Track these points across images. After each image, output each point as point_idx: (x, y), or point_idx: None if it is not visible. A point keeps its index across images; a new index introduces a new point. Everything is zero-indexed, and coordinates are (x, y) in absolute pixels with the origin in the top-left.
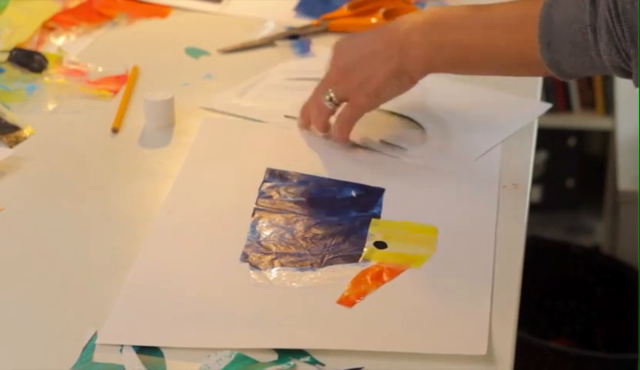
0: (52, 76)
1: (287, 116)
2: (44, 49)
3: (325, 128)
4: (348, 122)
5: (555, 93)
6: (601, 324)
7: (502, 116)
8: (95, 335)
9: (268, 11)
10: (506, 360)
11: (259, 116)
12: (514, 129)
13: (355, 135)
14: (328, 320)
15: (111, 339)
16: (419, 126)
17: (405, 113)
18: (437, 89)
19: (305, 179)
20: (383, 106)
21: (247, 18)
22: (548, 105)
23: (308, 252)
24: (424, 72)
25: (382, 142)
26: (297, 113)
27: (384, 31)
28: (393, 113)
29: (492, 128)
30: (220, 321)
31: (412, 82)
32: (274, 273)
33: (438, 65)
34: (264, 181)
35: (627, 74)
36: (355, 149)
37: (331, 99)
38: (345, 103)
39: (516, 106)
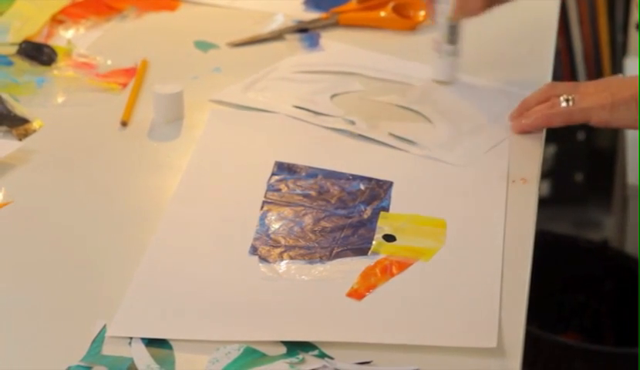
0: (61, 69)
1: (296, 107)
2: (53, 42)
3: (546, 123)
4: (570, 113)
5: None
6: (610, 319)
7: (510, 111)
8: (104, 328)
9: (277, 5)
10: (516, 353)
11: (268, 107)
12: None
13: (365, 127)
14: (337, 313)
15: (120, 332)
16: (427, 119)
17: (413, 107)
18: (445, 83)
19: (314, 172)
20: (391, 100)
21: (256, 12)
22: None
23: (317, 245)
24: None
25: (391, 135)
26: (306, 104)
27: None
28: (401, 107)
29: (500, 121)
30: (229, 314)
31: None
32: (283, 266)
33: None
34: (273, 174)
35: None
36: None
37: (568, 100)
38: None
39: None
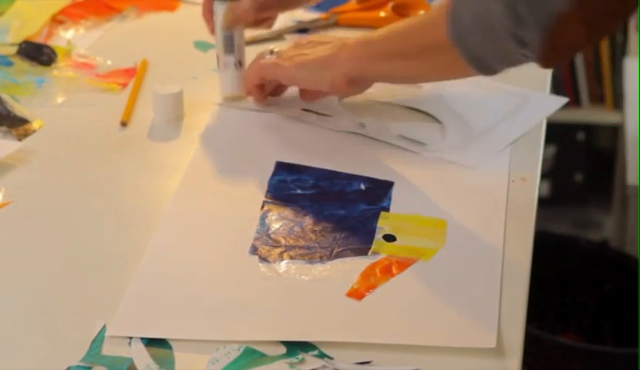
0: (60, 69)
1: (304, 110)
2: (53, 42)
3: (247, 72)
4: (260, 65)
5: (564, 88)
6: (610, 319)
7: (519, 111)
8: (104, 328)
9: None
10: (516, 353)
11: (275, 111)
12: (533, 124)
13: (376, 129)
14: (337, 313)
15: (120, 331)
16: (436, 120)
17: (422, 108)
18: (453, 84)
19: (314, 173)
20: (400, 101)
21: None
22: (564, 100)
23: (317, 245)
24: (349, 70)
25: (402, 137)
26: (315, 107)
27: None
28: (411, 108)
29: (510, 122)
30: (229, 314)
31: (332, 80)
32: (283, 266)
33: (364, 60)
34: (274, 174)
35: (524, 44)
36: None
37: (271, 52)
38: None
39: (532, 101)
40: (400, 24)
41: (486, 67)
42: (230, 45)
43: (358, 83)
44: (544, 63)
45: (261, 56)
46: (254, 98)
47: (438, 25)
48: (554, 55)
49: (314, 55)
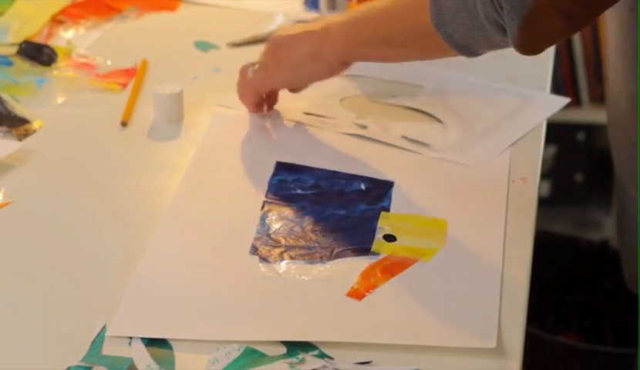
0: (61, 69)
1: (306, 113)
2: (53, 42)
3: (241, 93)
4: (253, 83)
5: (564, 88)
6: (610, 319)
7: (520, 111)
8: (104, 328)
9: (277, 5)
10: (516, 353)
11: (276, 115)
12: (534, 124)
13: (378, 131)
14: (337, 313)
15: (120, 331)
16: (439, 121)
17: (423, 109)
18: (455, 85)
19: (314, 173)
20: (401, 102)
21: (256, 12)
22: (565, 100)
23: (317, 245)
24: (340, 56)
25: (404, 138)
26: (316, 110)
27: (314, 22)
28: (414, 109)
29: (511, 123)
30: (229, 314)
31: (328, 68)
32: (283, 266)
33: (352, 46)
34: (274, 174)
35: (504, 31)
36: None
37: (253, 64)
38: None
39: (533, 101)
40: (384, 4)
41: (471, 52)
42: (332, 2)
43: (350, 64)
44: (522, 50)
45: (244, 71)
46: (253, 112)
47: (421, 10)
48: (533, 43)
49: (299, 52)
